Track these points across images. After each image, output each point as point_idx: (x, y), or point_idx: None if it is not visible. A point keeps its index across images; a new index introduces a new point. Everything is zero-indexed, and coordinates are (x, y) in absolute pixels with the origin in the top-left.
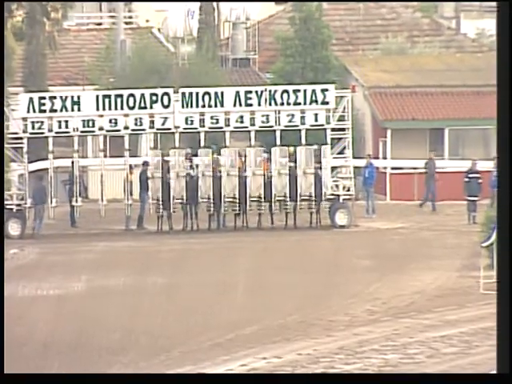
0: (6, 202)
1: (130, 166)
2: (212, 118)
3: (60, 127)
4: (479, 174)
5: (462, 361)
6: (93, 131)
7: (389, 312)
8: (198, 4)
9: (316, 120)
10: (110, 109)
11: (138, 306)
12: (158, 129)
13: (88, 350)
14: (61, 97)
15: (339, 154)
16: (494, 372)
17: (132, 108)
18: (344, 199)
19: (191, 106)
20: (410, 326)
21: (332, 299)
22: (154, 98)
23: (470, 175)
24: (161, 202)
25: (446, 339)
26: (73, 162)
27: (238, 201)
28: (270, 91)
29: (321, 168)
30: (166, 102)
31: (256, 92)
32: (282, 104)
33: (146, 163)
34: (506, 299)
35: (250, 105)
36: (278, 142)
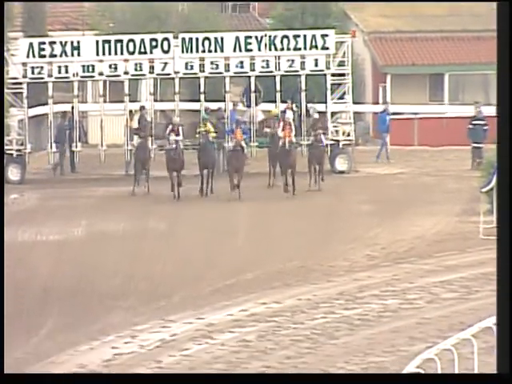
0: (6, 148)
1: (130, 112)
2: (212, 63)
3: (60, 72)
4: (484, 120)
5: (462, 306)
6: (92, 76)
7: (388, 257)
8: None
9: (316, 65)
10: (109, 54)
11: (138, 252)
12: (157, 74)
13: (88, 295)
14: (60, 42)
15: (339, 99)
16: (494, 372)
17: (132, 53)
18: (344, 145)
19: (191, 52)
20: (410, 271)
21: (331, 244)
22: (154, 43)
23: (475, 122)
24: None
25: (446, 284)
26: (73, 108)
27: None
28: (269, 36)
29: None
30: (165, 48)
31: (256, 37)
32: (282, 49)
33: (143, 108)
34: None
35: (250, 50)
36: (278, 88)
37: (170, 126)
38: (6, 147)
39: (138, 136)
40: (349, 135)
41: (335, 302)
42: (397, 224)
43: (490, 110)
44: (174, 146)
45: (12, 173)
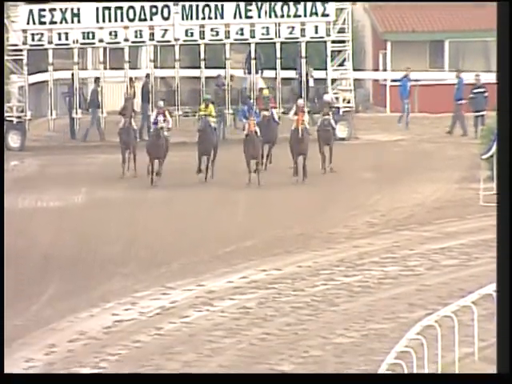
0: (6, 114)
1: (131, 79)
2: (212, 30)
3: (60, 39)
4: (484, 88)
5: (462, 273)
6: (93, 43)
7: (388, 224)
8: None
9: (316, 32)
10: (109, 21)
11: (139, 219)
12: (157, 41)
13: (88, 262)
14: (61, 9)
15: (339, 66)
16: (494, 372)
17: (132, 20)
18: (344, 111)
19: (191, 19)
20: (410, 238)
21: (332, 212)
22: (154, 10)
23: (475, 90)
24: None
25: (446, 251)
26: (73, 74)
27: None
28: (270, 3)
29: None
30: (165, 15)
31: (256, 4)
32: (282, 16)
33: (148, 76)
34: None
35: (250, 17)
36: (278, 55)
37: (155, 112)
38: (6, 114)
39: (122, 117)
40: (349, 102)
41: (335, 269)
42: (397, 191)
43: (491, 77)
44: (157, 131)
45: (12, 140)
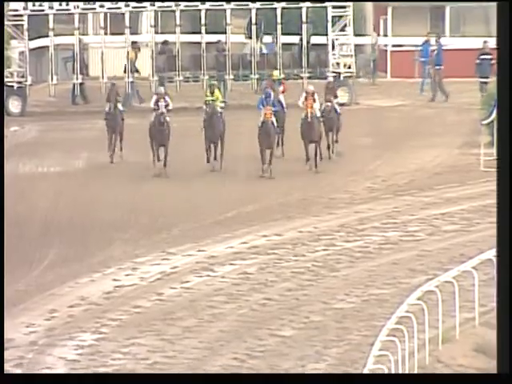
0: (6, 80)
1: (135, 43)
2: None
3: (60, 4)
4: (491, 54)
5: (463, 238)
6: (93, 9)
7: (389, 190)
8: None
9: None
10: None
11: (139, 185)
12: (158, 6)
13: (88, 228)
14: None
15: (340, 31)
16: (495, 372)
17: None
18: (345, 77)
19: None
20: (411, 203)
21: (332, 177)
22: None
23: (482, 56)
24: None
25: (447, 216)
26: (74, 40)
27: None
28: None
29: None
30: None
31: None
32: None
33: (166, 42)
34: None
35: None
36: (279, 20)
37: (155, 97)
38: (6, 79)
39: (107, 102)
40: (350, 67)
41: (336, 235)
42: (397, 156)
43: (492, 43)
44: (158, 116)
45: (13, 105)
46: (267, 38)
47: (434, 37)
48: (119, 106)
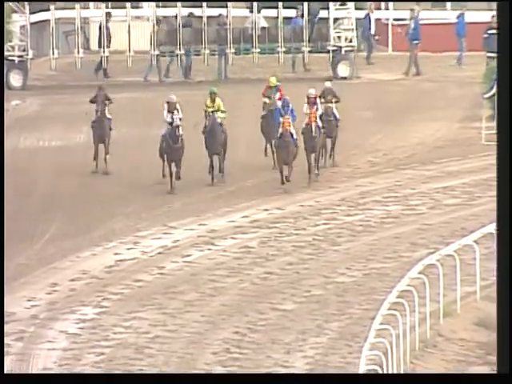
0: (7, 53)
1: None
2: None
3: None
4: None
5: (464, 212)
6: None
7: (390, 163)
8: None
9: None
10: None
11: (141, 158)
12: None
13: (90, 202)
14: None
15: (341, 5)
16: (494, 372)
17: None
18: (346, 51)
19: None
20: (412, 177)
21: (333, 151)
22: None
23: (490, 31)
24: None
25: (448, 190)
26: (76, 14)
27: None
28: None
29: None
30: None
31: None
32: None
33: (191, 14)
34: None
35: None
36: None
37: (166, 106)
38: (7, 53)
39: (94, 105)
40: (351, 41)
41: (337, 209)
42: (398, 130)
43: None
44: (173, 130)
45: (14, 79)
46: (289, 12)
47: (413, 11)
48: (107, 113)
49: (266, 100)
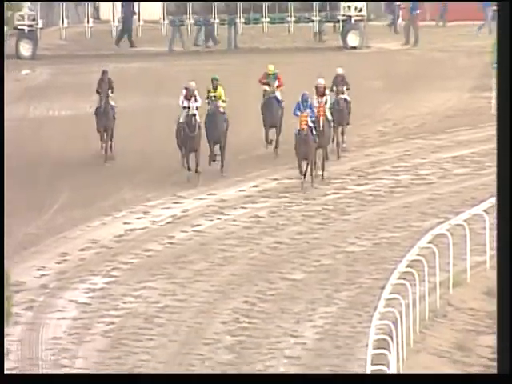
0: (17, 23)
1: None
2: None
3: None
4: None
5: (474, 181)
6: None
7: (400, 133)
8: None
9: None
10: None
11: (150, 128)
12: None
13: (99, 171)
14: None
15: None
16: (495, 372)
17: None
18: (356, 20)
19: None
20: (422, 146)
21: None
22: None
23: None
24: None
25: (458, 160)
26: None
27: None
28: None
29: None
30: None
31: None
32: None
33: None
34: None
35: None
36: None
37: (184, 92)
38: (17, 23)
39: (98, 94)
40: (361, 11)
41: (347, 178)
42: (408, 100)
43: None
44: (189, 119)
45: (24, 48)
46: None
47: None
48: (111, 100)
49: (267, 87)
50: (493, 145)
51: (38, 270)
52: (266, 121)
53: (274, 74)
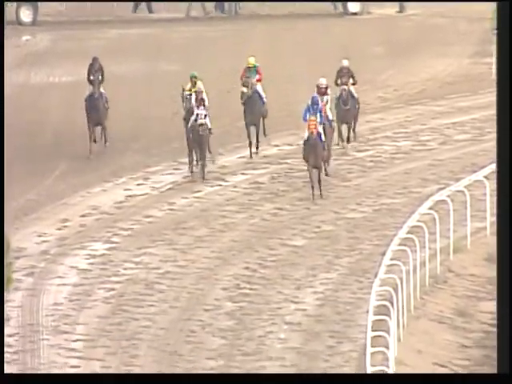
0: None
1: None
2: None
3: None
4: None
5: (474, 148)
6: None
7: (400, 99)
8: None
9: None
10: None
11: (150, 94)
12: None
13: (100, 138)
14: None
15: None
16: (495, 372)
17: None
18: None
19: None
20: (422, 112)
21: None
22: None
23: None
24: None
25: (458, 126)
26: None
27: None
28: None
29: None
30: None
31: None
32: None
33: None
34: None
35: None
36: None
37: (194, 95)
38: None
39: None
40: None
41: (348, 145)
42: (409, 66)
43: None
44: (199, 129)
45: (24, 14)
46: None
47: None
48: (102, 87)
49: (244, 89)
50: (493, 111)
51: (39, 236)
52: (248, 119)
53: (254, 66)
